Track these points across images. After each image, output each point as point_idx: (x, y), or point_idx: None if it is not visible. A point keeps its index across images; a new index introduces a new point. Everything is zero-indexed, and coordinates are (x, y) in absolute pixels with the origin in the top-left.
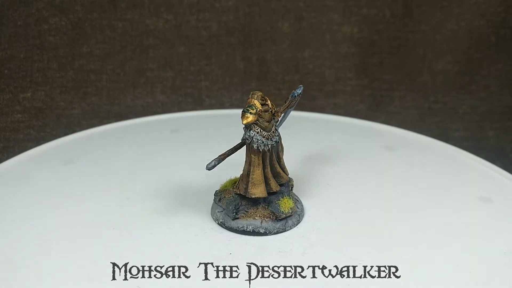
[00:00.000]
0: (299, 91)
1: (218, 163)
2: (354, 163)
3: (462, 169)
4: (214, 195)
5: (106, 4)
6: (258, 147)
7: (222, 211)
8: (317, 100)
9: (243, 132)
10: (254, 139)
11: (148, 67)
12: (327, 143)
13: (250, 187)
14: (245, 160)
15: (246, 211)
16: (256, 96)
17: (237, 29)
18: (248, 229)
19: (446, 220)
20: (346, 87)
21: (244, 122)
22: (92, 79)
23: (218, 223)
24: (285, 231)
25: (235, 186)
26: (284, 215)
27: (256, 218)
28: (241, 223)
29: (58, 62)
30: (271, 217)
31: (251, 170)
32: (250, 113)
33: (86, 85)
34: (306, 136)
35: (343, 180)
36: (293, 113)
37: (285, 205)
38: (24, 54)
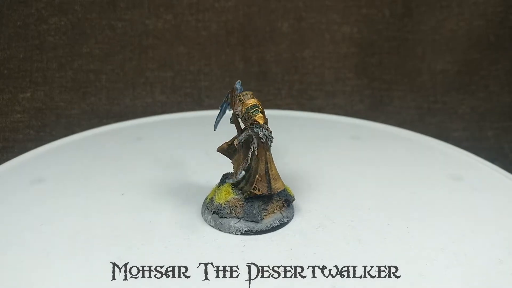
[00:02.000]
0: (239, 85)
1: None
2: (353, 163)
3: (462, 169)
4: (218, 211)
5: (106, 4)
6: (270, 143)
7: (239, 221)
8: (316, 100)
9: (244, 133)
10: (268, 136)
11: (147, 67)
12: (326, 142)
13: (273, 183)
14: (257, 160)
15: (266, 209)
16: (250, 95)
17: (237, 29)
18: (276, 224)
19: (445, 220)
20: (346, 87)
21: (262, 121)
22: (92, 79)
23: (242, 233)
24: (294, 213)
25: (253, 188)
26: (293, 199)
27: (275, 211)
28: (268, 221)
29: (57, 62)
30: (284, 205)
31: (269, 166)
32: (261, 112)
33: (85, 85)
34: (305, 135)
35: (341, 179)
36: (293, 113)
37: (289, 190)
38: (24, 54)
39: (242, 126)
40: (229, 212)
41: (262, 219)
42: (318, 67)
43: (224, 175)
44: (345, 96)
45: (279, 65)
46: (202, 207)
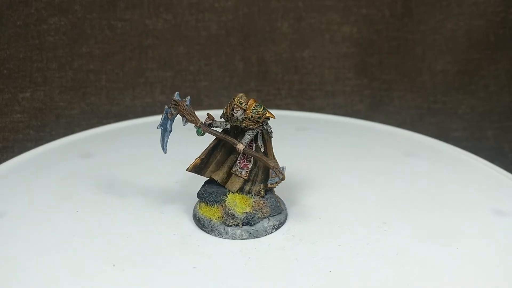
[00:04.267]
0: (178, 97)
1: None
2: (353, 163)
3: (462, 168)
4: (250, 219)
5: (106, 4)
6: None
7: (269, 220)
8: (316, 100)
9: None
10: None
11: (147, 67)
12: (326, 142)
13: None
14: (268, 155)
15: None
16: (245, 96)
17: (237, 29)
18: (285, 208)
19: (445, 220)
20: (346, 87)
21: (272, 117)
22: (92, 79)
23: (276, 229)
24: None
25: (271, 184)
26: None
27: (276, 198)
28: (284, 208)
29: (57, 62)
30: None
31: (275, 158)
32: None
33: (85, 85)
34: (305, 135)
35: (341, 179)
36: (293, 113)
37: None
38: (24, 54)
39: (219, 130)
40: (259, 216)
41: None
42: (318, 67)
43: (200, 192)
44: (345, 96)
45: (279, 65)
46: (213, 230)
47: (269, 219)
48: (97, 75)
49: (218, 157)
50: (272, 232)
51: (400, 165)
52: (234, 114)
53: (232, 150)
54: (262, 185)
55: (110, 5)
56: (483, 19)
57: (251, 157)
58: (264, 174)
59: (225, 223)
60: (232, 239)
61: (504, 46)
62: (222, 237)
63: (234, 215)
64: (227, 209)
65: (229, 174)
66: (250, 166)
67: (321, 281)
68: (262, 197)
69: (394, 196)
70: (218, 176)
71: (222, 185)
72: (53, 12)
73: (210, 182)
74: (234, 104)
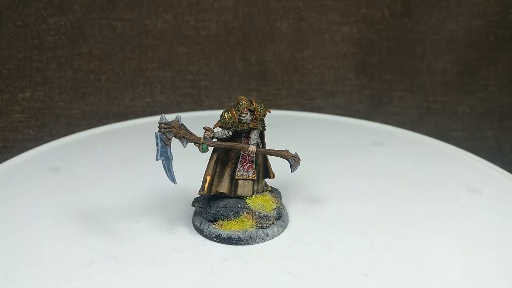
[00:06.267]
0: (165, 118)
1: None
2: (353, 163)
3: (462, 169)
4: (280, 213)
5: (105, 4)
6: None
7: (284, 208)
8: (316, 100)
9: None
10: None
11: (147, 67)
12: (326, 142)
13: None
14: (262, 148)
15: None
16: (246, 98)
17: (236, 29)
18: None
19: (443, 219)
20: (345, 87)
21: (269, 111)
22: (91, 79)
23: (285, 227)
24: None
25: (273, 176)
26: None
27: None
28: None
29: (57, 62)
30: None
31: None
32: None
33: (85, 85)
34: (304, 136)
35: (340, 180)
36: (293, 113)
37: None
38: (23, 54)
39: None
40: (281, 208)
41: None
42: (317, 67)
43: (213, 213)
44: (345, 96)
45: (279, 65)
46: (254, 238)
47: (283, 208)
48: (97, 75)
49: (217, 169)
50: (290, 218)
51: (399, 165)
52: (243, 118)
53: (226, 157)
54: (265, 180)
55: (110, 5)
56: (482, 19)
57: (252, 157)
58: (264, 170)
59: (262, 226)
60: (273, 238)
61: (504, 46)
62: (264, 241)
63: (267, 215)
64: (257, 213)
65: (232, 182)
66: (254, 166)
67: (376, 233)
68: (270, 190)
69: (392, 195)
70: (224, 188)
71: (229, 195)
72: (53, 12)
73: (208, 199)
74: (243, 108)
